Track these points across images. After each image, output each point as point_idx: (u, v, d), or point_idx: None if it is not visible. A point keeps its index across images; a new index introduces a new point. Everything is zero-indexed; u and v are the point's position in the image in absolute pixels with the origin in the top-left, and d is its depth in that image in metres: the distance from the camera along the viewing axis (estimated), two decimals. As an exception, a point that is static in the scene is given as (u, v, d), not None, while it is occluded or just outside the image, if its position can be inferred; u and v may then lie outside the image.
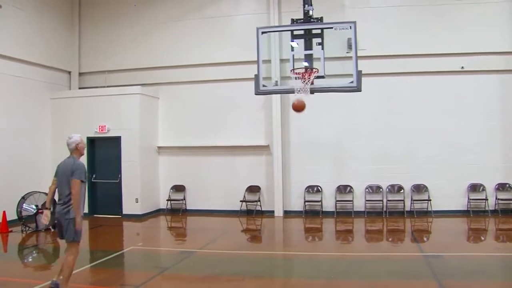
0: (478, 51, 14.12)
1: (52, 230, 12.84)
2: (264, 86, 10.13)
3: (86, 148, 7.64)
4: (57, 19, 16.10)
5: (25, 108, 14.71)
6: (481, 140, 14.19)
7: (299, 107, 9.49)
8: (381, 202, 14.55)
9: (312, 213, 14.96)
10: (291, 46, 10.18)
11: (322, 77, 9.70)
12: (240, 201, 15.21)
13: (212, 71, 15.69)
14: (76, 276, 8.10)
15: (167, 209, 15.95)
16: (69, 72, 16.71)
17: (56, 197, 7.27)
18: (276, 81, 11.78)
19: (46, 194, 12.98)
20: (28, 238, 12.12)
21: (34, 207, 12.73)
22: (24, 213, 12.69)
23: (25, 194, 12.82)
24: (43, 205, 12.91)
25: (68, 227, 6.93)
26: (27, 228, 12.62)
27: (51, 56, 15.74)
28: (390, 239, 12.30)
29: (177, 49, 16.07)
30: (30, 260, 10.47)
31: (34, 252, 11.19)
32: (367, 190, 14.69)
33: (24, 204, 12.65)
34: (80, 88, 16.69)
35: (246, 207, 15.35)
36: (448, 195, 14.27)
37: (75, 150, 7.27)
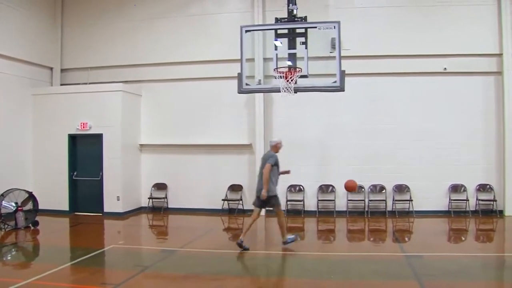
0: (462, 52, 14.26)
1: (32, 228, 12.69)
2: (247, 84, 10.14)
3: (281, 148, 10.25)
4: (40, 15, 15.87)
5: (6, 104, 14.48)
6: (463, 141, 14.34)
7: (351, 187, 10.41)
8: (363, 202, 14.60)
9: (294, 213, 14.96)
10: (275, 45, 10.20)
11: (306, 76, 9.78)
12: (222, 200, 15.19)
13: (195, 69, 15.60)
14: (56, 274, 8.09)
15: (149, 207, 15.83)
16: (51, 68, 16.49)
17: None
18: (260, 80, 11.80)
19: (25, 191, 12.90)
20: (7, 236, 11.94)
21: (14, 204, 12.54)
22: (3, 211, 12.45)
23: (5, 192, 12.59)
24: (23, 202, 12.77)
25: (271, 201, 10.03)
26: (6, 225, 12.43)
27: (33, 52, 15.49)
28: (372, 239, 12.35)
29: (160, 46, 15.95)
30: (9, 258, 10.30)
31: (13, 250, 11.02)
32: (349, 189, 14.72)
33: (3, 202, 12.44)
34: (62, 85, 16.47)
35: (228, 206, 15.33)
36: (429, 196, 14.39)
37: (273, 147, 10.14)
